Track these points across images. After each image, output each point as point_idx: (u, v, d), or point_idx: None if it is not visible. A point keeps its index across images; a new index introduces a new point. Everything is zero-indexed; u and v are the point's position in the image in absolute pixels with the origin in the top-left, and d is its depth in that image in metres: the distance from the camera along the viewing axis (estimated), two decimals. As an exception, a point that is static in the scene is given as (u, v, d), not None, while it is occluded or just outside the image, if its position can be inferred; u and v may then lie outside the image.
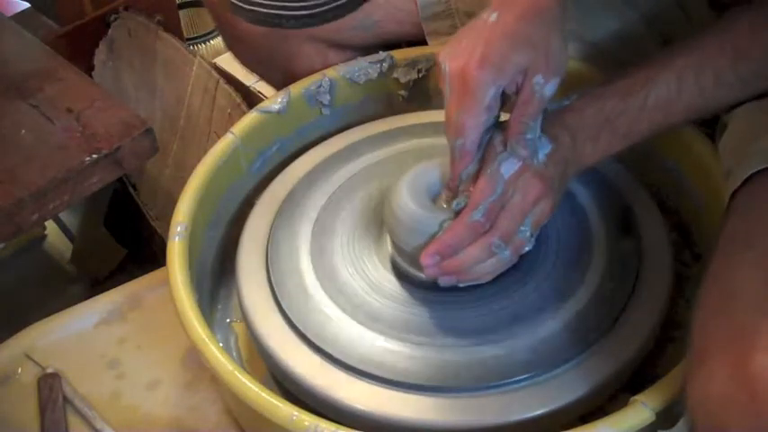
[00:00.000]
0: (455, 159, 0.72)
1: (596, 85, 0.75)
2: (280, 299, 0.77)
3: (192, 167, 0.86)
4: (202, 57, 1.21)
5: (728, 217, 0.69)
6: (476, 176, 0.72)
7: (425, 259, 0.71)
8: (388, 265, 0.78)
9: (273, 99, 0.93)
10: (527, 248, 0.72)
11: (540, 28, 0.70)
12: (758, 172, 0.69)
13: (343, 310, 0.75)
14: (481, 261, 0.71)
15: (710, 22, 0.74)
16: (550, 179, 0.72)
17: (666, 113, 0.73)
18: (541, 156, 0.71)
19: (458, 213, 0.72)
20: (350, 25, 0.97)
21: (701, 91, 0.72)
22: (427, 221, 0.73)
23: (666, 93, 0.72)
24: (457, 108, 0.70)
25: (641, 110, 0.72)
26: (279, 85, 1.05)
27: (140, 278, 0.92)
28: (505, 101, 0.72)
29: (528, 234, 0.71)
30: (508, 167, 0.70)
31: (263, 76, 1.08)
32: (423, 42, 1.00)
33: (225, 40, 1.06)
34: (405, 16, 0.98)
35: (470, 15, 0.96)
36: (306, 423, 0.64)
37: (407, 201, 0.74)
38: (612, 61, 0.92)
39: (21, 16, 1.34)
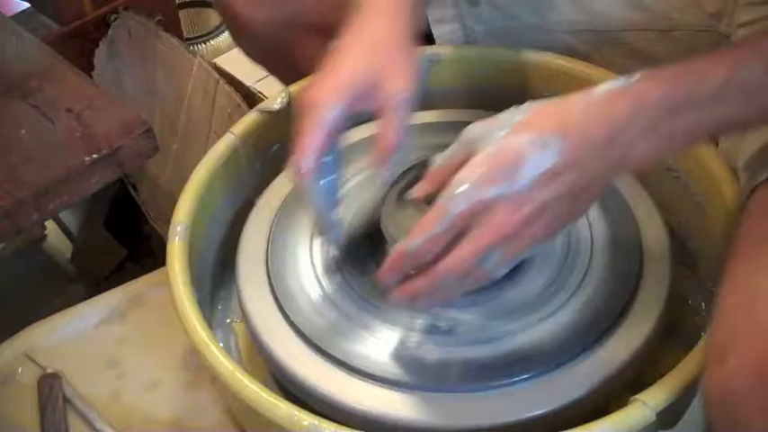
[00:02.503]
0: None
1: (660, 66, 0.63)
2: (280, 299, 0.77)
3: (192, 167, 0.86)
4: (202, 57, 1.21)
5: (748, 215, 0.68)
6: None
7: (381, 279, 0.68)
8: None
9: (273, 99, 0.93)
10: (499, 275, 0.66)
11: (371, 33, 0.72)
12: None
13: (344, 310, 0.75)
14: (433, 291, 0.66)
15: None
16: (536, 209, 0.61)
17: (743, 106, 0.62)
18: (524, 182, 0.61)
19: None
20: None
21: None
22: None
23: (748, 78, 0.60)
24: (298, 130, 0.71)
25: (714, 98, 0.60)
26: (285, 75, 1.05)
27: (140, 278, 0.92)
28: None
29: (494, 265, 0.64)
30: (457, 203, 0.62)
31: (268, 68, 1.08)
32: (429, 35, 1.00)
33: (230, 31, 1.07)
34: None
35: (474, 4, 0.96)
36: (306, 423, 0.64)
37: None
38: (621, 50, 0.91)
39: (21, 16, 1.34)
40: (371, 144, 0.73)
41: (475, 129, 0.65)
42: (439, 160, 0.68)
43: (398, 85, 0.70)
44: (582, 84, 0.75)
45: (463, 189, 0.61)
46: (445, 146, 0.70)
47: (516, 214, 0.61)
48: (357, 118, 0.74)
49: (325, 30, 0.96)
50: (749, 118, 0.64)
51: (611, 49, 0.91)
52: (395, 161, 0.70)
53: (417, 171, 0.73)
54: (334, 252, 0.78)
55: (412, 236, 0.64)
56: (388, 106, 0.70)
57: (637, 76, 0.62)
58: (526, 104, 0.65)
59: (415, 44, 0.72)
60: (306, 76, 0.94)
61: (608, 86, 0.62)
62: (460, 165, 0.63)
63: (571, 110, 0.62)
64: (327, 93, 0.70)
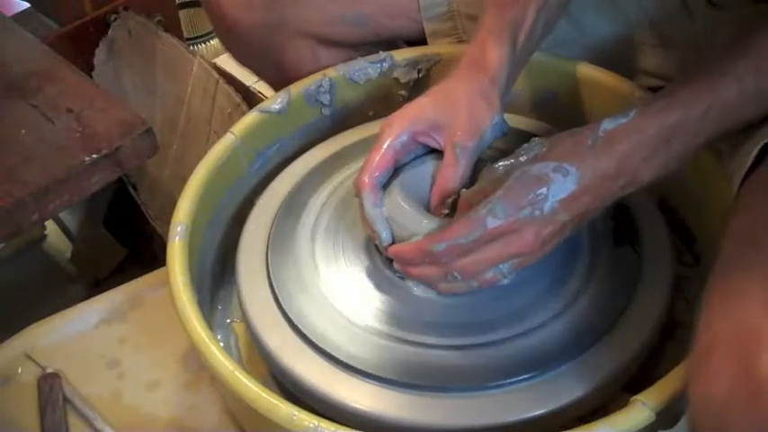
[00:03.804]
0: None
1: (650, 100, 0.71)
2: (280, 299, 0.77)
3: (192, 167, 0.86)
4: (202, 57, 1.21)
5: (733, 214, 0.68)
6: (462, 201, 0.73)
7: (390, 253, 0.74)
8: (389, 265, 0.78)
9: (273, 99, 0.93)
10: (505, 282, 0.71)
11: (466, 86, 0.76)
12: (760, 163, 0.69)
13: (344, 310, 0.75)
14: (440, 281, 0.72)
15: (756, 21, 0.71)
16: (556, 230, 0.69)
17: (724, 122, 0.69)
18: (549, 206, 0.68)
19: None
20: (340, 19, 0.97)
21: (760, 95, 0.68)
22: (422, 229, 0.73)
23: (727, 101, 0.68)
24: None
25: (700, 123, 0.68)
26: (271, 79, 1.06)
27: (140, 278, 0.92)
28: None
29: (504, 272, 0.70)
30: (495, 218, 0.67)
31: (255, 71, 1.08)
32: (419, 40, 1.00)
33: (217, 33, 1.07)
34: (397, 11, 0.98)
35: (472, 18, 0.97)
36: (306, 423, 0.64)
37: (404, 206, 0.75)
38: (611, 63, 0.92)
39: (21, 16, 1.34)
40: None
41: (498, 167, 0.71)
42: (466, 194, 0.73)
43: (464, 136, 0.75)
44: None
45: (501, 206, 0.67)
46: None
47: (539, 235, 0.68)
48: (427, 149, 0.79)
49: (312, 34, 0.97)
50: (728, 131, 0.70)
51: (601, 62, 0.93)
52: (448, 203, 0.76)
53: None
54: (384, 259, 0.78)
55: (439, 237, 0.69)
56: (453, 152, 0.75)
57: (632, 113, 0.69)
58: (538, 139, 0.71)
59: (496, 111, 0.77)
60: (292, 79, 0.95)
61: (611, 124, 0.69)
62: (487, 195, 0.68)
63: (582, 143, 0.69)
64: (394, 121, 0.77)
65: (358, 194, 0.76)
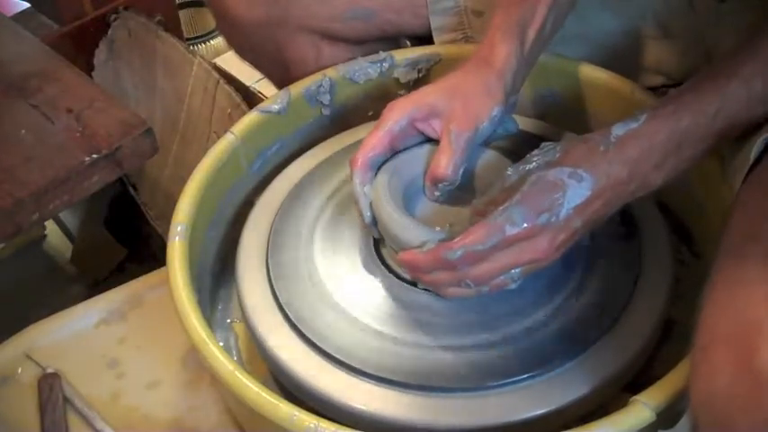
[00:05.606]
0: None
1: (659, 104, 0.71)
2: (280, 299, 0.77)
3: (192, 167, 0.86)
4: (202, 57, 1.21)
5: (733, 210, 0.69)
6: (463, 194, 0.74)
7: (401, 261, 0.73)
8: (389, 266, 0.78)
9: (273, 99, 0.93)
10: (514, 286, 0.70)
11: (470, 78, 0.77)
12: (761, 160, 0.70)
13: (344, 310, 0.75)
14: (450, 286, 0.71)
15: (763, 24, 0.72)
16: (569, 236, 0.69)
17: (733, 125, 0.70)
18: (564, 212, 0.68)
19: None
20: (346, 14, 0.97)
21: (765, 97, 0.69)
22: (411, 234, 0.73)
23: (736, 104, 0.69)
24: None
25: (709, 127, 0.69)
26: (273, 75, 1.06)
27: (140, 278, 0.92)
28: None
29: (514, 277, 0.69)
30: (514, 225, 0.67)
31: (257, 66, 1.08)
32: (424, 37, 1.00)
33: (220, 29, 1.07)
34: (403, 6, 0.98)
35: (479, 14, 0.97)
36: (306, 423, 0.64)
37: (391, 211, 0.74)
38: (614, 56, 0.92)
39: (21, 16, 1.34)
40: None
41: (512, 175, 0.71)
42: (477, 204, 0.72)
43: (460, 124, 0.75)
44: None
45: (519, 212, 0.66)
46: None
47: (554, 242, 0.68)
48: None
49: (316, 30, 0.97)
50: (735, 133, 0.71)
51: (605, 58, 0.93)
52: (441, 188, 0.77)
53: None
54: (383, 262, 0.79)
55: (455, 244, 0.67)
56: (448, 138, 0.76)
57: (643, 118, 0.69)
58: (550, 144, 0.71)
59: (497, 104, 0.77)
60: (294, 76, 0.95)
61: (621, 129, 0.69)
62: (499, 205, 0.68)
63: (595, 149, 0.69)
64: (395, 105, 0.79)
65: (350, 172, 0.78)
